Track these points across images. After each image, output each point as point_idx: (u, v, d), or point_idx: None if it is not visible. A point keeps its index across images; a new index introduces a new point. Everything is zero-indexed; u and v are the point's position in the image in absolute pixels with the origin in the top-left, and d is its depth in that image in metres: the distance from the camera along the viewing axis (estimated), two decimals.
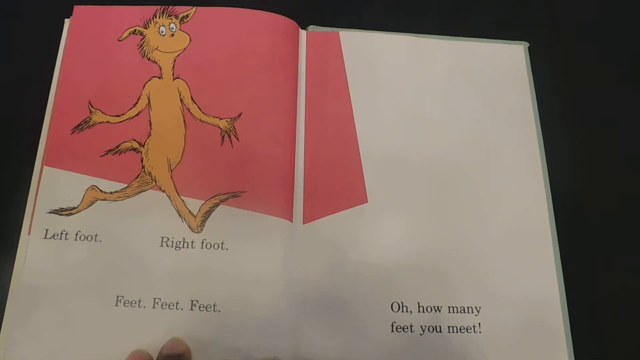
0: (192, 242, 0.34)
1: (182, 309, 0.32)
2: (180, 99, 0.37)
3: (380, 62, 0.40)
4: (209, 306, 0.32)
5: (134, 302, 0.32)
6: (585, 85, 0.41)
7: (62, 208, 0.34)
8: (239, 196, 0.35)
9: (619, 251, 0.37)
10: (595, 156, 0.40)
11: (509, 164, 0.38)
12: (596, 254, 0.37)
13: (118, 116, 0.36)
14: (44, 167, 0.34)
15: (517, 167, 0.38)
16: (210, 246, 0.34)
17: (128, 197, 0.34)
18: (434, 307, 0.34)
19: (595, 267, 0.37)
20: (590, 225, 0.38)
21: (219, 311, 0.32)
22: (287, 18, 0.39)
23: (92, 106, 0.36)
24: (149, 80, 0.37)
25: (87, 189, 0.34)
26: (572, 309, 0.35)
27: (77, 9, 0.38)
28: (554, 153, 0.39)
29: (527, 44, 0.42)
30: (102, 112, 0.36)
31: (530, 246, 0.36)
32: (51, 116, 0.36)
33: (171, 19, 0.38)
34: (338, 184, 0.36)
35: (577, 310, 0.35)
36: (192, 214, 0.34)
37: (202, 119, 0.36)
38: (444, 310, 0.34)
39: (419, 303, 0.34)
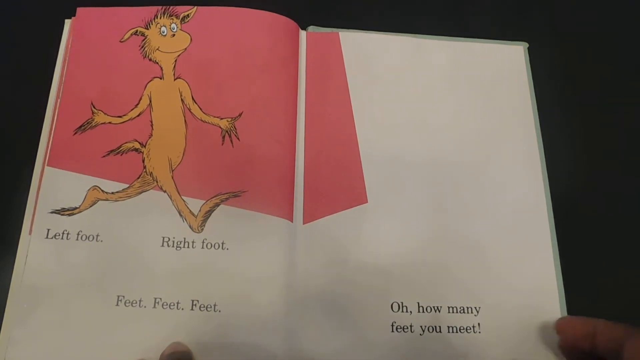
0: (193, 242, 0.34)
1: (182, 309, 0.32)
2: (181, 99, 0.37)
3: (380, 63, 0.40)
4: (209, 306, 0.32)
5: (134, 302, 0.32)
6: (584, 85, 0.41)
7: (64, 208, 0.34)
8: (239, 196, 0.35)
9: (619, 251, 0.37)
10: (594, 156, 0.40)
11: (508, 164, 0.38)
12: (596, 255, 0.37)
13: (120, 117, 0.36)
14: (46, 167, 0.35)
15: (517, 167, 0.38)
16: (211, 246, 0.34)
17: (129, 197, 0.35)
18: (434, 307, 0.34)
19: (595, 267, 0.37)
20: (590, 226, 0.38)
21: (220, 311, 0.32)
22: (287, 18, 0.39)
23: (94, 107, 0.36)
24: (150, 80, 0.37)
25: (88, 189, 0.34)
26: (572, 309, 0.35)
27: (80, 11, 0.39)
28: (553, 154, 0.39)
29: (527, 45, 0.41)
30: (104, 113, 0.36)
31: (530, 247, 0.36)
32: (56, 117, 0.36)
33: (172, 19, 0.38)
34: (338, 184, 0.36)
35: (576, 310, 0.35)
36: (193, 214, 0.34)
37: (203, 119, 0.36)
38: (444, 310, 0.34)
39: (418, 303, 0.34)
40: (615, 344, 0.29)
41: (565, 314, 0.35)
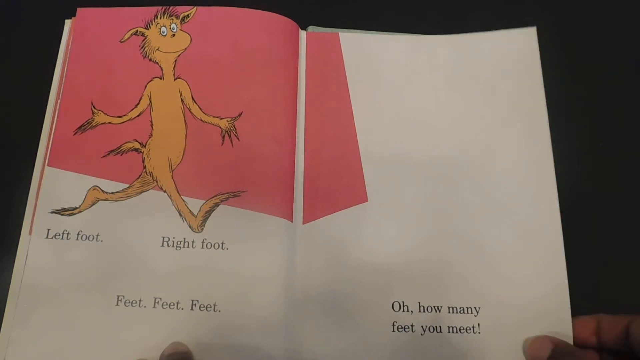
0: (193, 241, 0.34)
1: (182, 309, 0.32)
2: (181, 99, 0.37)
3: (380, 62, 0.39)
4: (209, 306, 0.32)
5: (134, 301, 0.32)
6: (591, 76, 0.41)
7: (64, 208, 0.34)
8: (239, 196, 0.35)
9: (628, 252, 0.37)
10: (605, 154, 0.39)
11: (514, 161, 0.37)
12: (602, 254, 0.37)
13: (120, 117, 0.36)
14: (47, 167, 0.35)
15: (518, 166, 0.37)
16: (211, 246, 0.34)
17: (129, 197, 0.35)
18: (434, 307, 0.34)
19: (601, 267, 0.36)
20: (598, 226, 0.37)
21: (219, 311, 0.32)
22: (286, 18, 0.39)
23: (94, 107, 0.36)
24: (150, 80, 0.37)
25: (89, 189, 0.34)
26: (575, 308, 0.34)
27: (80, 11, 0.39)
28: (562, 150, 0.38)
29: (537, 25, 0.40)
30: (105, 113, 0.36)
31: (534, 246, 0.35)
32: (56, 117, 0.36)
33: (172, 19, 0.38)
34: (338, 184, 0.36)
35: (580, 310, 0.34)
36: (193, 214, 0.34)
37: (203, 119, 0.36)
38: (444, 310, 0.34)
39: (419, 303, 0.34)
40: (620, 331, 0.30)
41: (569, 313, 0.34)
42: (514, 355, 0.33)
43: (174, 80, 0.37)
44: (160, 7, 0.39)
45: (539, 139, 0.38)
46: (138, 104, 0.37)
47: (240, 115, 0.36)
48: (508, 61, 0.39)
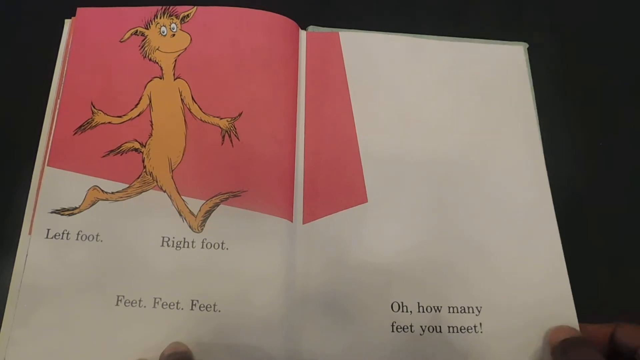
0: (193, 241, 0.34)
1: (182, 309, 0.32)
2: (181, 99, 0.37)
3: (380, 63, 0.40)
4: (209, 306, 0.32)
5: (134, 301, 0.32)
6: (584, 84, 0.41)
7: (64, 208, 0.34)
8: (239, 196, 0.35)
9: (624, 248, 0.37)
10: (595, 154, 0.40)
11: (509, 162, 0.38)
12: (602, 253, 0.37)
13: (120, 117, 0.36)
14: (47, 167, 0.35)
15: (518, 165, 0.38)
16: (211, 246, 0.34)
17: (129, 197, 0.35)
18: (434, 307, 0.34)
19: (602, 265, 0.36)
20: (594, 224, 0.37)
21: (219, 311, 0.32)
22: (287, 18, 0.39)
23: (94, 107, 0.36)
24: (150, 80, 0.37)
25: (88, 189, 0.34)
26: (578, 307, 0.34)
27: (80, 11, 0.39)
28: (554, 152, 0.38)
29: (527, 45, 0.41)
30: (104, 113, 0.36)
31: (533, 246, 0.36)
32: (56, 117, 0.36)
33: (172, 19, 0.38)
34: (338, 184, 0.36)
35: (582, 309, 0.34)
36: (193, 214, 0.34)
37: (203, 119, 0.36)
38: (444, 310, 0.34)
39: (418, 303, 0.34)
40: (603, 339, 0.31)
41: (573, 312, 0.34)
42: (516, 355, 0.33)
43: (174, 80, 0.37)
44: (160, 7, 0.39)
45: (534, 142, 0.38)
46: (138, 103, 0.37)
47: (240, 115, 0.36)
48: (500, 71, 0.40)
